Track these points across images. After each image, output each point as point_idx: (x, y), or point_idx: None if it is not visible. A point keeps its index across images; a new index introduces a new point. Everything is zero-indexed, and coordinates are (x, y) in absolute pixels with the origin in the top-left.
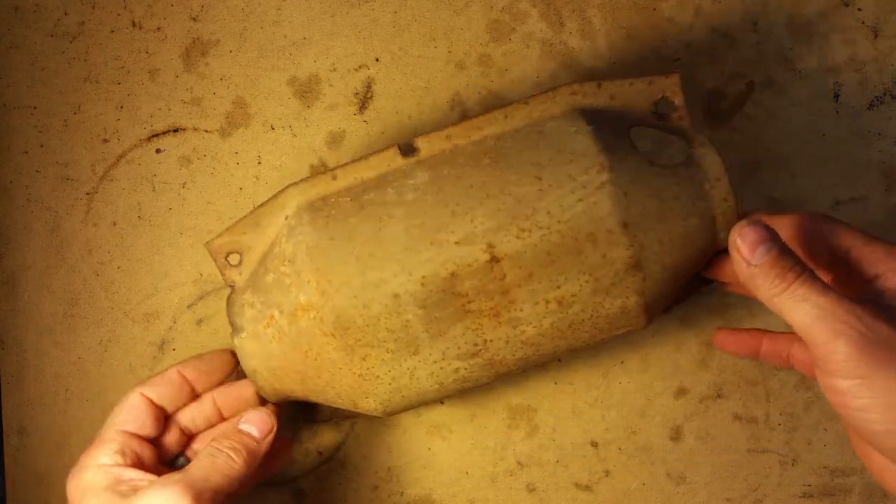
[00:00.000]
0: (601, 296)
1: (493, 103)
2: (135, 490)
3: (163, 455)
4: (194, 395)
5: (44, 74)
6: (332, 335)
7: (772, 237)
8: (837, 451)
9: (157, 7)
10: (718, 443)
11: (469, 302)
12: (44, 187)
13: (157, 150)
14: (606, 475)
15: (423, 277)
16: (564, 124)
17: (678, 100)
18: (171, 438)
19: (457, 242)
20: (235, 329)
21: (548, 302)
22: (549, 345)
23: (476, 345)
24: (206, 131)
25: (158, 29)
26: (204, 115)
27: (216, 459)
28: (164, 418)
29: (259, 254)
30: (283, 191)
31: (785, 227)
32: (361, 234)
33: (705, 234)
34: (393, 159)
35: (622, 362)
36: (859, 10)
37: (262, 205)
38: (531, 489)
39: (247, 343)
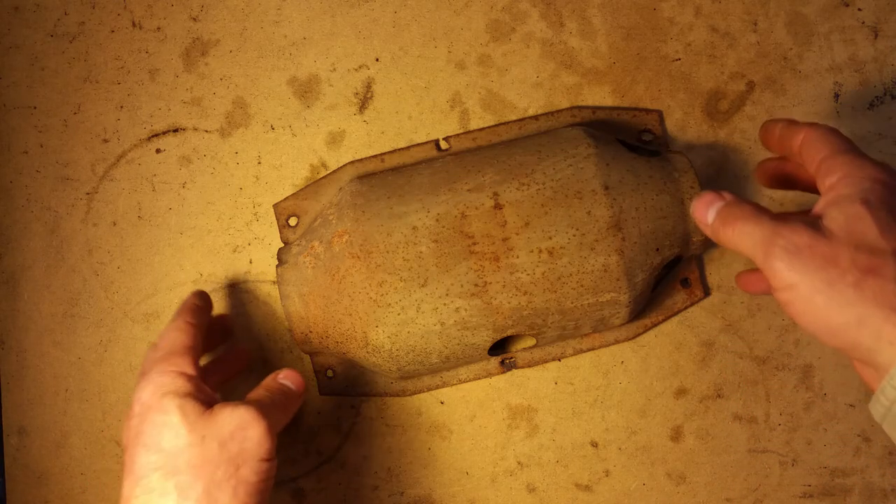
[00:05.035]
0: (586, 250)
1: (493, 103)
2: (211, 403)
3: None
4: (208, 318)
5: (44, 74)
6: (358, 257)
7: (717, 196)
8: (837, 451)
9: (157, 7)
10: (718, 443)
11: (474, 244)
12: (44, 187)
13: (157, 150)
14: (606, 475)
15: (439, 214)
16: (564, 127)
17: (658, 131)
18: None
19: (469, 189)
20: (280, 262)
21: (541, 251)
22: (540, 297)
23: (476, 285)
24: (206, 131)
25: (158, 29)
26: (204, 115)
27: (273, 398)
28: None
29: (311, 217)
30: (341, 167)
31: (796, 136)
32: (395, 182)
33: (676, 212)
34: (429, 151)
35: (622, 362)
36: (859, 10)
37: (323, 176)
38: (531, 489)
39: (286, 271)
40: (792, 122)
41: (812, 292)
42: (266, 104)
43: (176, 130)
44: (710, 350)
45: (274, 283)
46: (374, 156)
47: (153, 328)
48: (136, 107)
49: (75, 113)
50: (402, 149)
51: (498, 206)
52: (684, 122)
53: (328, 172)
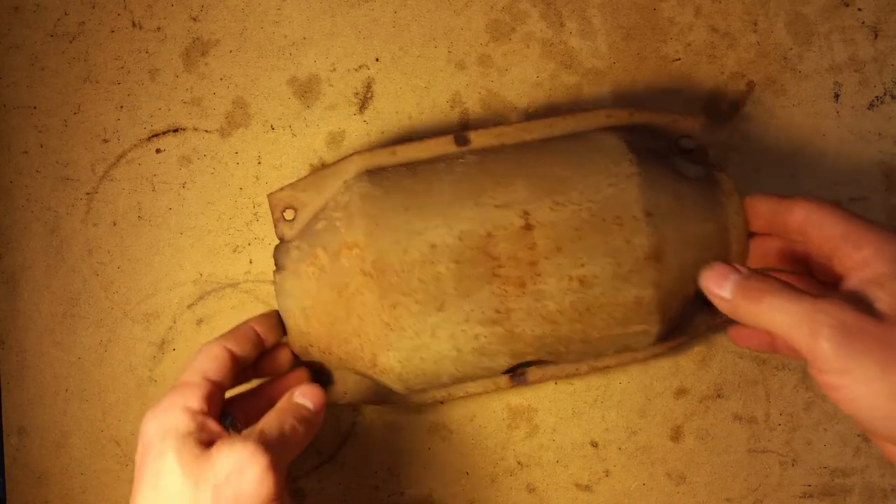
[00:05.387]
0: (620, 281)
1: (494, 103)
2: (212, 441)
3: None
4: (262, 349)
5: (44, 74)
6: (370, 275)
7: (732, 269)
8: (837, 451)
9: (157, 7)
10: (718, 443)
11: (499, 266)
12: (44, 187)
13: (157, 150)
14: (606, 475)
15: (462, 232)
16: (601, 133)
17: (698, 139)
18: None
19: (496, 206)
20: (278, 268)
21: (571, 279)
22: (566, 326)
23: (499, 311)
24: (206, 131)
25: (158, 29)
26: (204, 115)
27: (284, 426)
28: (237, 373)
29: (312, 212)
30: (347, 157)
31: (794, 211)
32: (412, 189)
33: (719, 242)
34: (447, 146)
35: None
36: (859, 10)
37: (326, 166)
38: (531, 489)
39: (286, 280)
40: (781, 199)
41: (867, 379)
42: (266, 104)
43: (176, 130)
44: (710, 350)
45: (274, 283)
46: (385, 146)
47: (153, 328)
48: (136, 107)
49: (75, 113)
50: (417, 140)
51: (528, 227)
52: None
53: (332, 162)
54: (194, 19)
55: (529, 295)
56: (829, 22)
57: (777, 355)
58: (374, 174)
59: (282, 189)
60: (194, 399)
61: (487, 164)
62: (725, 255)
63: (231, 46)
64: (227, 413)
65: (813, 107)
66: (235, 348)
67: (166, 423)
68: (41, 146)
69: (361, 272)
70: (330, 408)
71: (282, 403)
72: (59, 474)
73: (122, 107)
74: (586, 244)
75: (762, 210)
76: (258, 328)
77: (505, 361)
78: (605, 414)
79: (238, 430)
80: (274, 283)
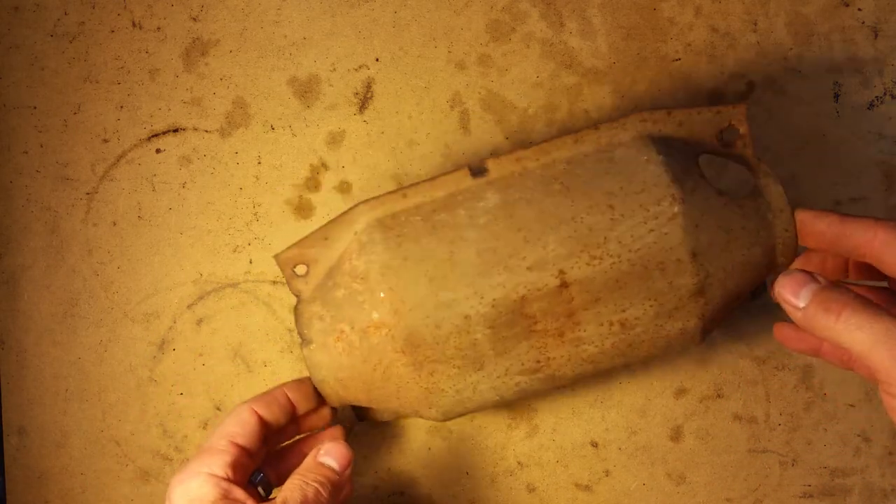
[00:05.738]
0: (663, 319)
1: (494, 103)
2: None
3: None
4: (294, 416)
5: (44, 74)
6: (403, 352)
7: (810, 277)
8: (837, 451)
9: (157, 7)
10: (718, 443)
11: (535, 323)
12: (44, 187)
13: (157, 150)
14: (606, 475)
15: (495, 300)
16: (635, 153)
17: (743, 128)
18: (258, 456)
19: (528, 268)
20: (305, 340)
21: (611, 324)
22: (608, 362)
23: (538, 362)
24: (206, 131)
25: (158, 29)
26: (204, 115)
27: (306, 492)
28: (266, 436)
29: (326, 266)
30: (352, 208)
31: (868, 234)
32: (434, 255)
33: (765, 261)
34: (462, 180)
35: None
36: (859, 10)
37: (331, 221)
38: (531, 489)
39: (316, 354)
40: (845, 218)
41: None
42: (266, 104)
43: (176, 130)
44: (710, 350)
45: (274, 282)
46: (394, 191)
47: (153, 328)
48: (136, 107)
49: (75, 113)
50: (429, 179)
51: (564, 285)
52: None
53: (336, 216)
54: (194, 19)
55: (568, 343)
56: (829, 22)
57: (778, 355)
58: (386, 230)
59: (288, 249)
60: (219, 466)
61: (513, 211)
62: (768, 271)
63: (231, 46)
64: (258, 470)
65: (813, 107)
66: (265, 413)
67: (192, 491)
68: (41, 146)
69: (393, 350)
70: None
71: (307, 463)
72: (59, 474)
73: (122, 107)
74: (627, 292)
75: (819, 228)
76: (291, 395)
77: (545, 392)
78: (605, 414)
79: (268, 488)
80: (304, 357)
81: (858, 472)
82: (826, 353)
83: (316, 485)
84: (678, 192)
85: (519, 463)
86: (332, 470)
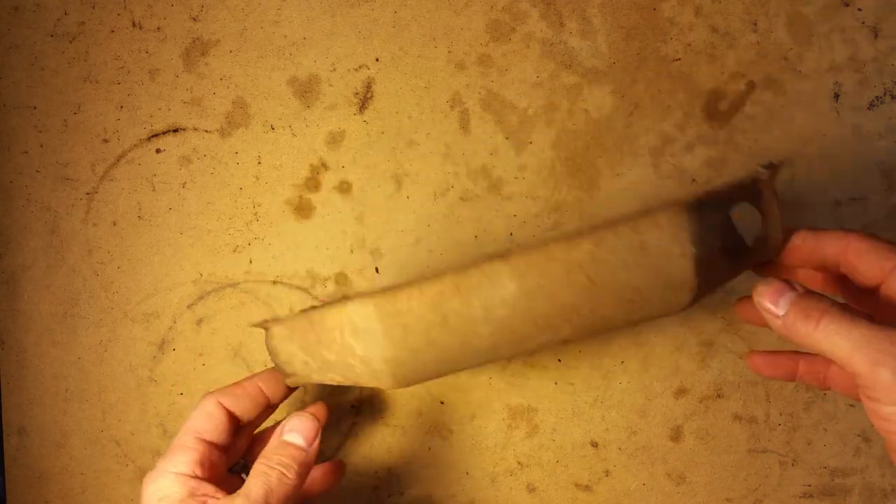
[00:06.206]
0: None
1: (493, 103)
2: None
3: (228, 461)
4: (268, 407)
5: (44, 74)
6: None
7: (789, 286)
8: (837, 451)
9: (157, 7)
10: (718, 443)
11: None
12: (44, 187)
13: (157, 150)
14: (606, 475)
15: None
16: (668, 242)
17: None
18: (239, 445)
19: (537, 347)
20: (285, 374)
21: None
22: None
23: None
24: (206, 131)
25: (158, 29)
26: (204, 115)
27: (269, 478)
28: (237, 428)
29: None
30: (358, 297)
31: (837, 243)
32: (445, 348)
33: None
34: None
35: (622, 362)
36: (859, 10)
37: (315, 308)
38: (531, 489)
39: (299, 382)
40: (817, 232)
41: None
42: (266, 104)
43: (176, 130)
44: (710, 350)
45: (274, 282)
46: (397, 290)
47: (153, 328)
48: (136, 107)
49: (75, 113)
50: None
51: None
52: (684, 122)
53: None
54: (194, 19)
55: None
56: (829, 22)
57: None
58: (387, 317)
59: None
60: (185, 464)
61: (532, 305)
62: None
63: (231, 46)
64: (243, 459)
65: (813, 107)
66: (234, 407)
67: (161, 490)
68: (41, 146)
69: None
70: (330, 408)
71: (271, 444)
72: (59, 474)
73: (122, 107)
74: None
75: (794, 243)
76: (264, 386)
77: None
78: (605, 414)
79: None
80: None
81: (858, 472)
82: (802, 376)
83: (280, 468)
84: (697, 285)
85: (519, 463)
86: (297, 447)
